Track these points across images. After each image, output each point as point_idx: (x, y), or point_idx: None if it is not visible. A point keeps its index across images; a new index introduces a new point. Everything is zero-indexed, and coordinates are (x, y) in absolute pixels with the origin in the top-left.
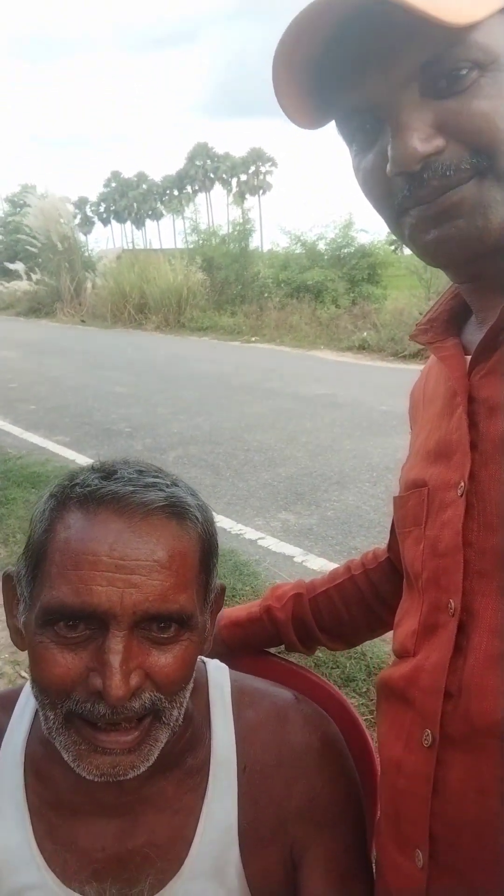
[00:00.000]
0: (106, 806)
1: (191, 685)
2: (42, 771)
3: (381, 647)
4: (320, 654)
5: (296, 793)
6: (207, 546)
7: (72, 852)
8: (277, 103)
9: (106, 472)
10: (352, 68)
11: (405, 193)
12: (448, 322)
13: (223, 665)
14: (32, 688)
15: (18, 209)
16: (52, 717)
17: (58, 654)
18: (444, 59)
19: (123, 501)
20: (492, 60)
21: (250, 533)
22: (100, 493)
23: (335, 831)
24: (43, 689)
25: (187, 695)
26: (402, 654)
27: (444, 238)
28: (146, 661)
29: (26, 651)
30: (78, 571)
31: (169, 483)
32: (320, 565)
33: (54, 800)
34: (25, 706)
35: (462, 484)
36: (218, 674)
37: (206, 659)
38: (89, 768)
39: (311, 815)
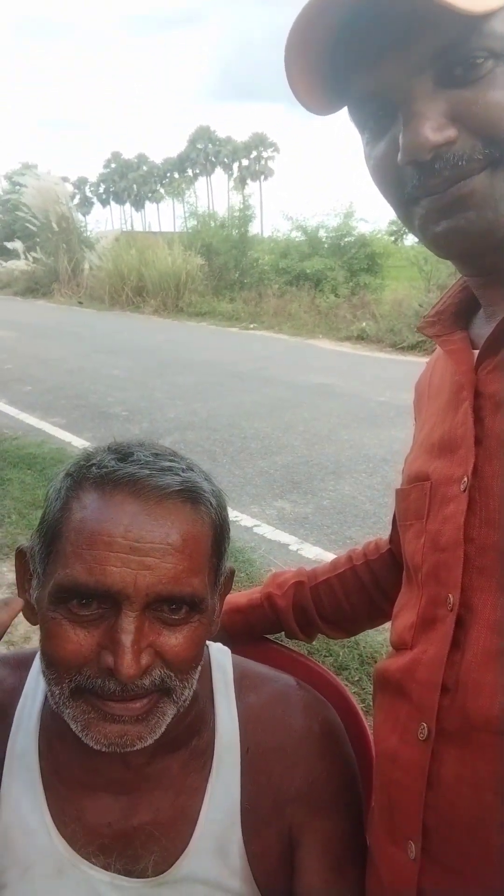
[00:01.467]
0: (112, 783)
1: (199, 666)
2: (52, 743)
3: (375, 636)
4: (314, 643)
5: (295, 776)
6: (220, 530)
7: (80, 825)
8: (289, 86)
9: (122, 453)
10: (366, 53)
11: (415, 183)
12: (456, 315)
13: (226, 648)
14: (42, 663)
15: (18, 187)
16: (58, 692)
17: (70, 631)
18: (459, 47)
19: (140, 484)
20: None
21: (246, 520)
22: (116, 474)
23: (332, 814)
24: (52, 664)
25: (196, 675)
26: (399, 646)
27: (453, 229)
28: (157, 640)
29: (31, 628)
30: (93, 551)
31: (184, 467)
32: (315, 554)
33: (64, 772)
34: (41, 672)
35: (465, 479)
36: (221, 656)
37: (209, 642)
38: (97, 737)
39: (309, 798)
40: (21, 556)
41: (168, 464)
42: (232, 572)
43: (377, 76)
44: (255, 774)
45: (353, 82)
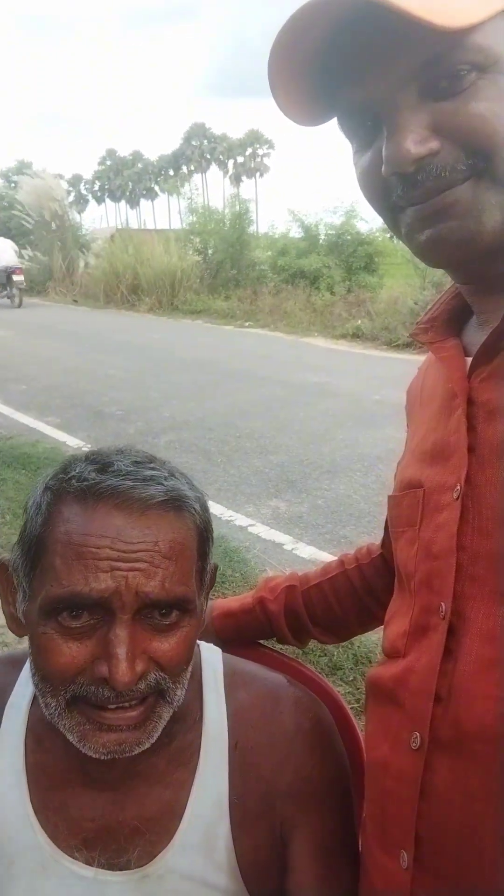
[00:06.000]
0: (98, 779)
1: (191, 666)
2: (40, 737)
3: (369, 636)
4: (309, 642)
5: (286, 772)
6: (204, 534)
7: (63, 819)
8: (273, 100)
9: (101, 463)
10: (352, 67)
11: (399, 193)
12: (448, 322)
13: (216, 648)
14: (33, 676)
15: (13, 185)
16: (53, 703)
17: (62, 645)
18: (443, 61)
19: (123, 496)
20: (492, 63)
21: (241, 519)
22: (98, 487)
23: (324, 811)
24: (46, 677)
25: (188, 675)
26: (391, 654)
27: (436, 239)
28: (150, 646)
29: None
30: (83, 561)
31: (166, 474)
32: (310, 553)
33: (49, 767)
34: (35, 685)
35: (458, 487)
36: (211, 655)
37: (200, 642)
38: (95, 747)
39: (300, 795)
40: (3, 570)
41: (150, 472)
42: (215, 568)
43: (363, 89)
44: (244, 769)
45: (340, 95)
